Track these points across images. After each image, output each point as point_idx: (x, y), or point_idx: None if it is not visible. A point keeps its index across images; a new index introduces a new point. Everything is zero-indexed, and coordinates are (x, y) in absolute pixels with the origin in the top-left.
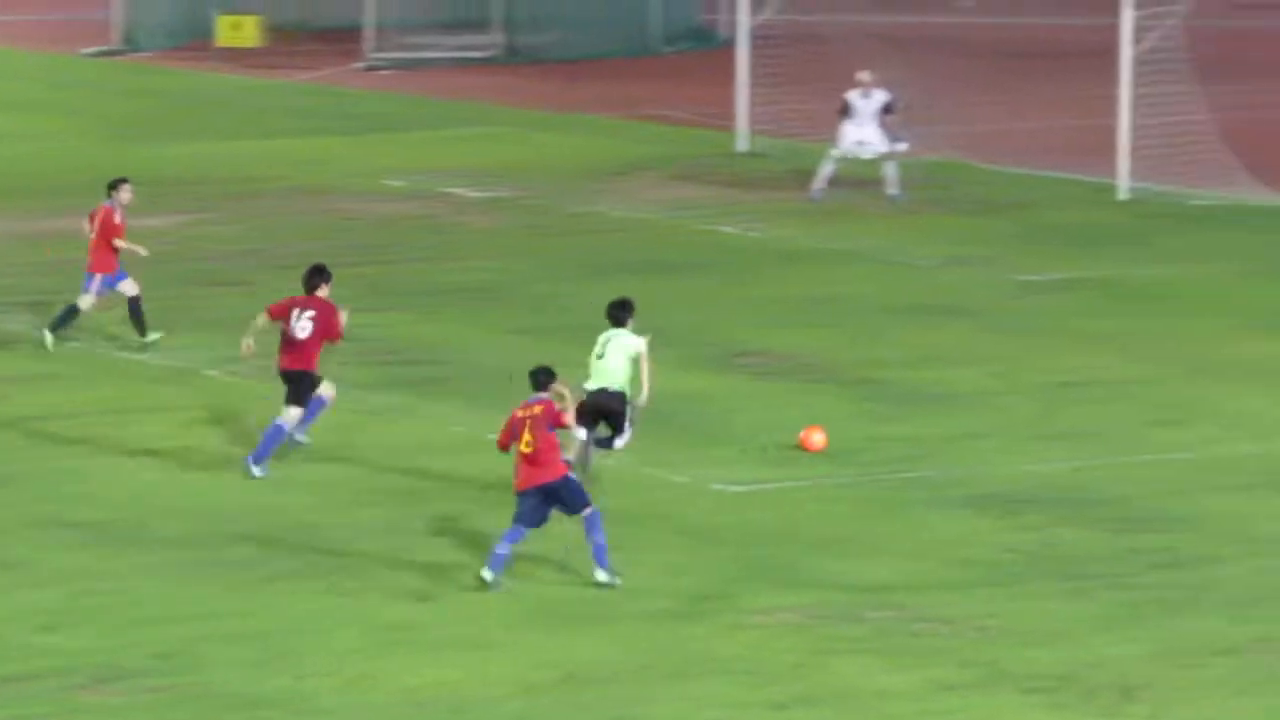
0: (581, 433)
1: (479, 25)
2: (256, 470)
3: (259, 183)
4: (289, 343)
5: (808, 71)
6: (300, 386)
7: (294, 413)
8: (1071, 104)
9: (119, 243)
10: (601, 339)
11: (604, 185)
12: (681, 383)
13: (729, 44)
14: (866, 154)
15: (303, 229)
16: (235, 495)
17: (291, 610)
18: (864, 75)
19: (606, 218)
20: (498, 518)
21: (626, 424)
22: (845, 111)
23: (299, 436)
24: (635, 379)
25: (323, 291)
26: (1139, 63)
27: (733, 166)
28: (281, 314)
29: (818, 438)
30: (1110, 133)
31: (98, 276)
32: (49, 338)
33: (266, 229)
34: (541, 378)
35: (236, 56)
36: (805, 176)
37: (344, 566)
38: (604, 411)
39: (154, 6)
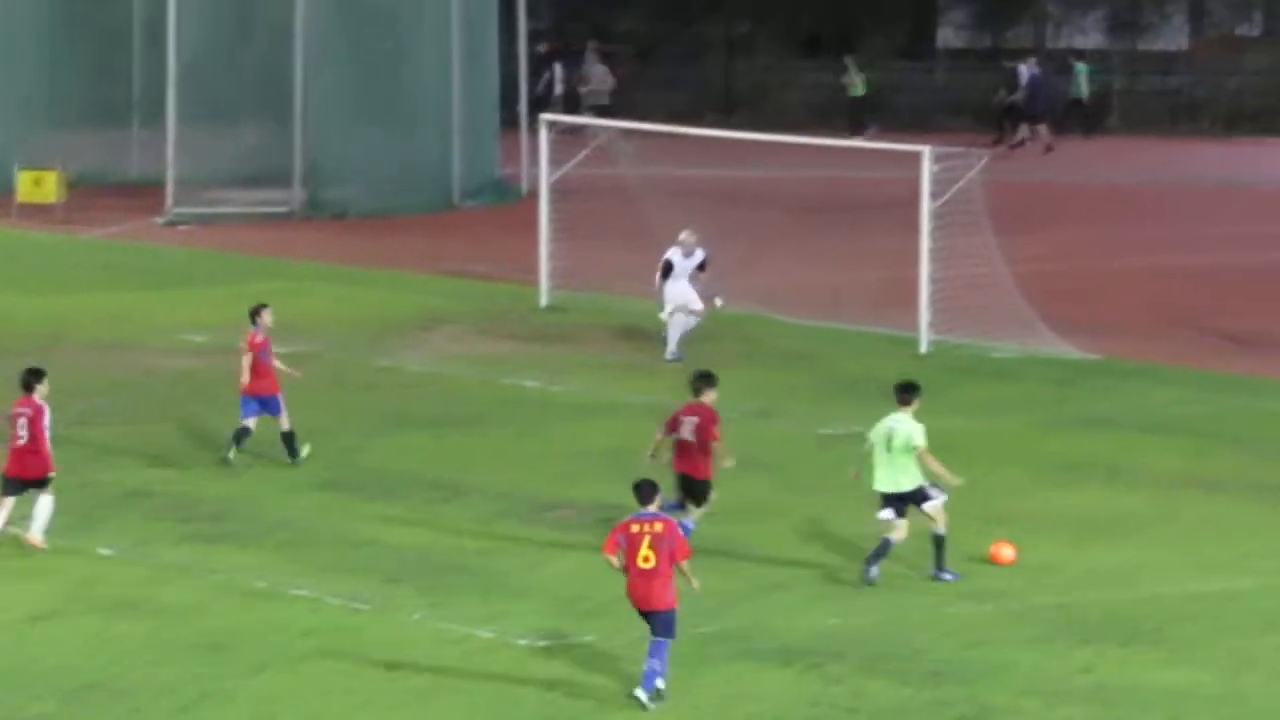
0: (887, 514)
1: (281, 180)
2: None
3: (59, 338)
4: (681, 447)
5: (607, 226)
6: (697, 489)
7: (698, 512)
8: (873, 257)
9: (276, 363)
10: (883, 428)
11: (407, 339)
12: (486, 536)
13: (530, 198)
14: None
15: (103, 384)
16: (37, 651)
17: None
18: (685, 235)
19: (409, 372)
20: (300, 673)
21: (933, 492)
22: (666, 271)
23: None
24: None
25: (707, 397)
26: (938, 216)
27: (534, 321)
28: (673, 427)
29: (1007, 551)
30: (911, 285)
31: (278, 396)
32: (302, 455)
33: (66, 384)
34: (646, 490)
35: (38, 212)
36: (606, 330)
37: None
38: (906, 500)
39: None
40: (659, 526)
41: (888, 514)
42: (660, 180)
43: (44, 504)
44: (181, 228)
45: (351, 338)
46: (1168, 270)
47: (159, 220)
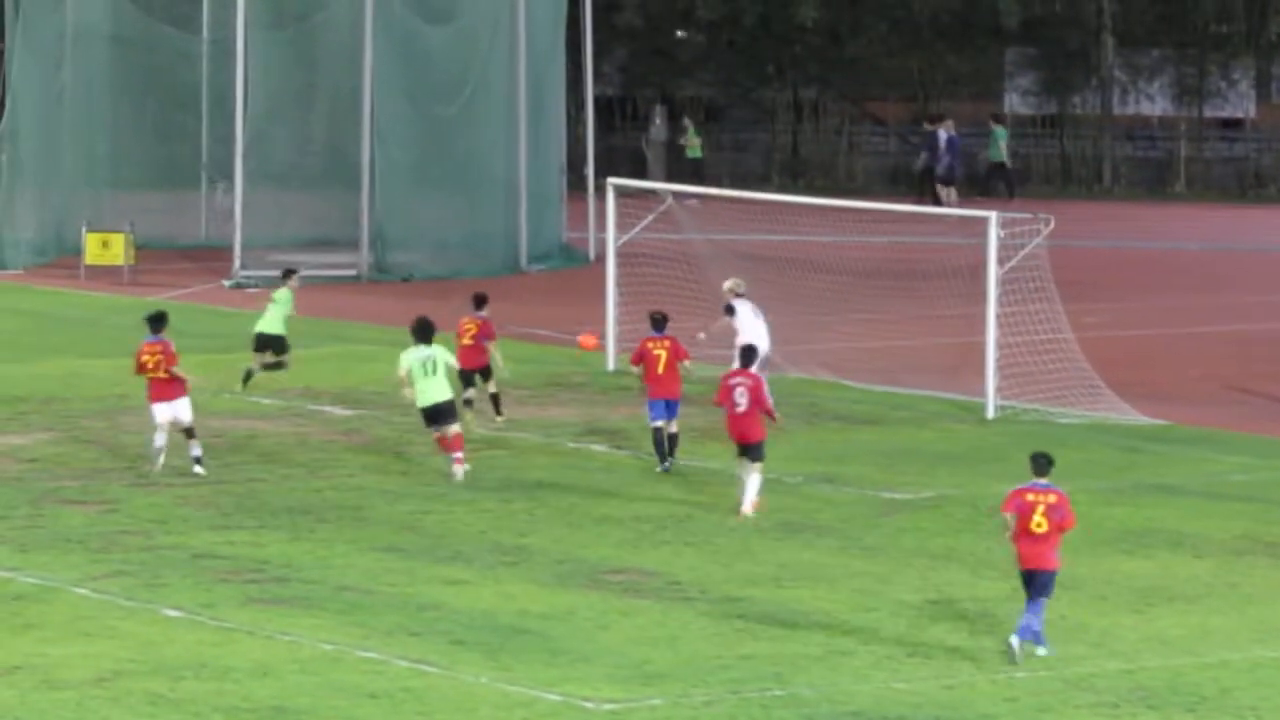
0: None
1: (347, 244)
2: None
3: (125, 401)
4: None
5: (675, 290)
6: None
7: None
8: (939, 322)
9: (687, 363)
10: None
11: (472, 403)
12: (550, 600)
13: (597, 263)
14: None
15: (169, 447)
16: (102, 713)
17: None
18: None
19: (474, 436)
20: None
21: None
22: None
23: None
24: None
25: None
26: (1005, 281)
27: (601, 385)
28: None
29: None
30: (978, 351)
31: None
32: (666, 466)
33: (131, 447)
34: (1042, 462)
35: (105, 274)
36: None
37: None
38: None
39: (21, 224)
40: (1052, 498)
41: None
42: (727, 244)
43: (755, 480)
44: (248, 290)
45: None
46: (1232, 337)
47: (226, 283)
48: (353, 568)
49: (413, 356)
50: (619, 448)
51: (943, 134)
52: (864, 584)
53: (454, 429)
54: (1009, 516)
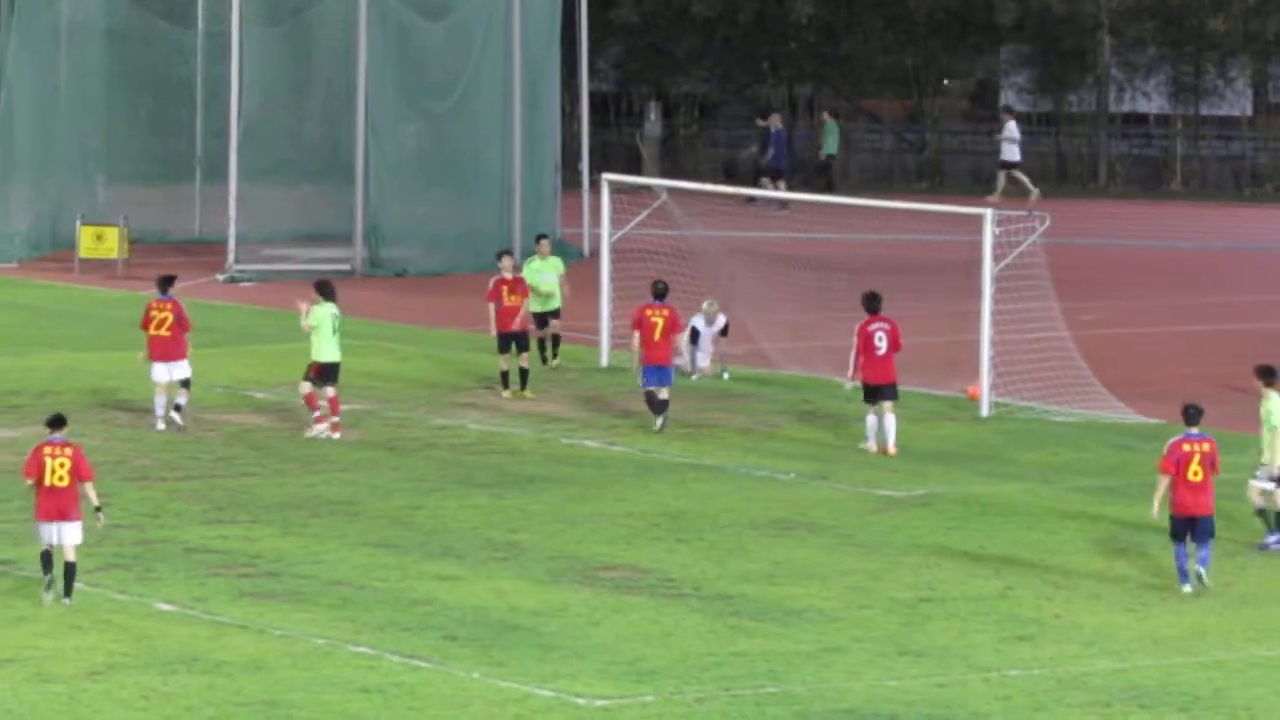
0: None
1: (341, 238)
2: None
3: (119, 394)
4: None
5: (670, 287)
6: None
7: None
8: (934, 320)
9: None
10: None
11: (466, 399)
12: (542, 597)
13: (591, 258)
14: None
15: (163, 441)
16: (93, 706)
17: None
18: (707, 305)
19: (468, 431)
20: None
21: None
22: (694, 338)
23: None
24: None
25: None
26: (1000, 279)
27: (594, 381)
28: None
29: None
30: (973, 348)
31: (669, 368)
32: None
33: (126, 440)
34: (1193, 413)
35: (100, 268)
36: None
37: None
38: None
39: (15, 217)
40: (1206, 446)
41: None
42: (722, 241)
43: (892, 420)
44: (242, 285)
45: (410, 396)
46: (1227, 336)
47: (220, 277)
48: (345, 563)
49: (329, 311)
50: (612, 444)
51: (773, 128)
52: (857, 581)
53: (332, 390)
54: (1164, 479)
